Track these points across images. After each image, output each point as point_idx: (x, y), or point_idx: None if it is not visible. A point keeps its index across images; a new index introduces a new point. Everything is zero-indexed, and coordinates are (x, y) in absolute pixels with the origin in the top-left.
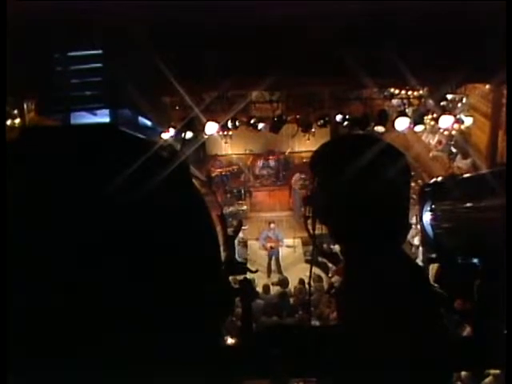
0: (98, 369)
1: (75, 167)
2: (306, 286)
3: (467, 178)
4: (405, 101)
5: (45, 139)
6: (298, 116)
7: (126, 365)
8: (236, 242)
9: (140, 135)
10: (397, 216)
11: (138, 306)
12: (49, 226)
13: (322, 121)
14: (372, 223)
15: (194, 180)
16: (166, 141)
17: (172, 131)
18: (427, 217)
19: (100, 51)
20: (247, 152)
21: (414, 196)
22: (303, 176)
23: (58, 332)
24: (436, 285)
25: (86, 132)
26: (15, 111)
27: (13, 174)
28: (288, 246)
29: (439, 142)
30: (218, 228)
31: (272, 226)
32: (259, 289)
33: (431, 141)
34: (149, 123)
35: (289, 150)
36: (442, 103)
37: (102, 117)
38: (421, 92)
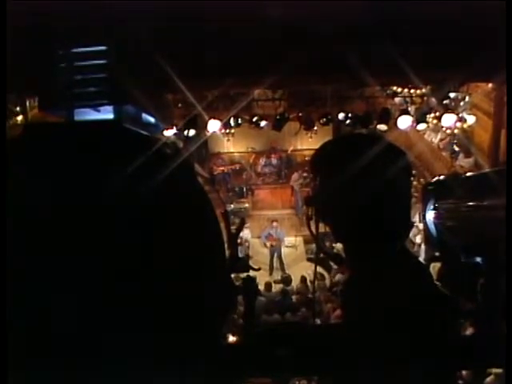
0: (97, 369)
1: (79, 164)
2: (308, 283)
3: (470, 176)
4: (407, 99)
5: (48, 136)
6: (300, 114)
7: (126, 364)
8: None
9: (144, 132)
10: (399, 214)
11: (141, 305)
12: (52, 222)
13: (324, 119)
14: (374, 222)
15: (198, 177)
16: (168, 138)
17: (174, 129)
18: (430, 215)
19: (103, 47)
20: (249, 150)
21: (416, 194)
22: (304, 174)
23: (57, 330)
24: (438, 283)
25: (89, 128)
26: (17, 108)
27: (16, 170)
28: (289, 245)
29: (441, 141)
30: (222, 225)
31: (275, 224)
32: (261, 286)
33: (434, 139)
34: (152, 120)
35: (291, 148)
36: (444, 102)
37: (106, 113)
38: (423, 90)
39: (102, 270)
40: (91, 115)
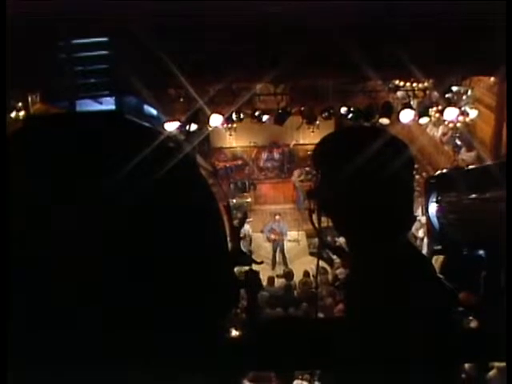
0: (96, 367)
1: (79, 154)
2: (311, 278)
3: (472, 170)
4: (410, 93)
5: (49, 127)
6: (302, 108)
7: (126, 363)
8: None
9: (145, 123)
10: (401, 208)
11: (141, 301)
12: (52, 216)
13: (326, 113)
14: (376, 215)
15: (200, 170)
16: (170, 132)
17: (176, 123)
18: (433, 209)
19: (105, 39)
20: (252, 144)
21: (419, 188)
22: (307, 169)
23: (57, 330)
24: (441, 276)
25: (90, 119)
26: (19, 104)
27: (17, 163)
28: (292, 240)
29: (444, 135)
30: (224, 218)
31: (277, 217)
32: (264, 281)
33: (436, 133)
34: (154, 112)
35: (293, 143)
36: (447, 95)
37: (108, 105)
38: (426, 84)
39: (103, 264)
40: (93, 107)
